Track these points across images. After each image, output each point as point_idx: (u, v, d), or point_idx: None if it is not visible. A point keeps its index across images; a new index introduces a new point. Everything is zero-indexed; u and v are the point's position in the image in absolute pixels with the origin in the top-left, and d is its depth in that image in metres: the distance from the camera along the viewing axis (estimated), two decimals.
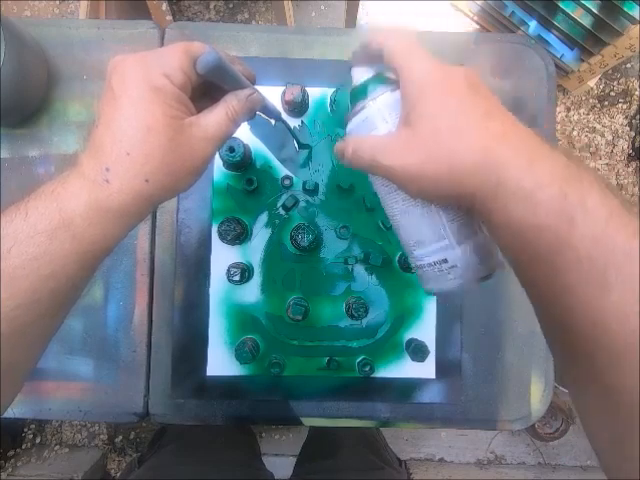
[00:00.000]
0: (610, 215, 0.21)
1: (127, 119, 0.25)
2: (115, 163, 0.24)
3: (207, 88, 0.29)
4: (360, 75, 0.30)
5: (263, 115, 0.36)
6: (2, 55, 0.38)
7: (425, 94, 0.25)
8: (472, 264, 0.28)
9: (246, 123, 0.45)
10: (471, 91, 0.25)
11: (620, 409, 0.21)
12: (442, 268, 0.28)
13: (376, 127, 0.28)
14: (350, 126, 0.30)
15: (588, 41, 1.03)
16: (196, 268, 0.46)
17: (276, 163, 0.46)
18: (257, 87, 0.48)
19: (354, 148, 0.28)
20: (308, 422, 0.46)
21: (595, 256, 0.20)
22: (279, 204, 0.46)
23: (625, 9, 0.93)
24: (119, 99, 0.25)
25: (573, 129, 1.24)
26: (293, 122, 0.46)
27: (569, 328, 0.22)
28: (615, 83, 1.25)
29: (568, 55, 1.09)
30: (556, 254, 0.21)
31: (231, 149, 0.42)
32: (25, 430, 1.14)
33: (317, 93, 0.46)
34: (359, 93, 0.29)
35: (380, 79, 0.29)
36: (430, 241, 0.28)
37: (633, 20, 0.94)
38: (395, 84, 0.28)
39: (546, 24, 1.06)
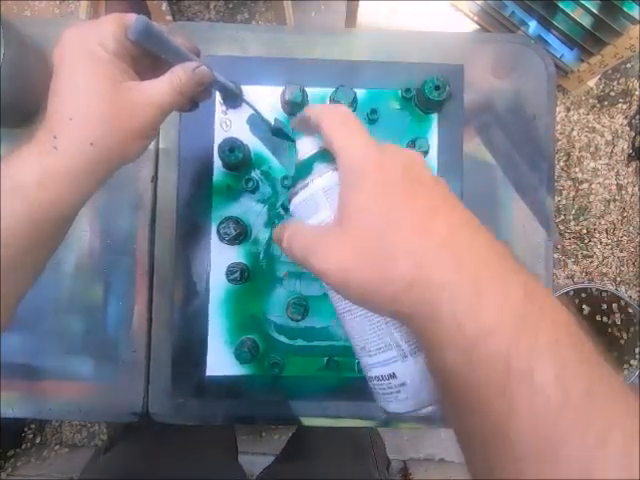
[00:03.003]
0: (564, 400, 0.16)
1: (67, 86, 0.26)
2: (61, 129, 0.26)
3: (159, 65, 0.30)
4: (305, 148, 0.27)
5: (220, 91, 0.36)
6: (2, 55, 0.38)
7: (357, 184, 0.21)
8: (426, 382, 0.23)
9: (246, 123, 0.45)
10: (410, 183, 0.21)
11: None
12: (391, 384, 0.23)
13: (317, 210, 0.24)
14: (292, 205, 0.26)
15: (588, 41, 1.03)
16: (196, 268, 0.46)
17: (276, 163, 0.46)
18: (257, 87, 0.48)
19: (289, 239, 0.24)
20: (308, 422, 0.46)
21: (541, 451, 0.16)
22: (279, 204, 0.46)
23: (625, 9, 0.93)
24: (59, 69, 0.26)
25: (573, 129, 1.24)
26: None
27: None
28: (615, 83, 1.25)
29: (568, 55, 1.09)
30: (493, 439, 0.17)
31: (231, 149, 0.42)
32: (25, 430, 1.14)
33: (317, 93, 0.46)
34: (303, 169, 0.26)
35: (326, 155, 0.26)
36: (376, 350, 0.23)
37: (633, 20, 0.94)
38: None
39: (546, 24, 1.06)
